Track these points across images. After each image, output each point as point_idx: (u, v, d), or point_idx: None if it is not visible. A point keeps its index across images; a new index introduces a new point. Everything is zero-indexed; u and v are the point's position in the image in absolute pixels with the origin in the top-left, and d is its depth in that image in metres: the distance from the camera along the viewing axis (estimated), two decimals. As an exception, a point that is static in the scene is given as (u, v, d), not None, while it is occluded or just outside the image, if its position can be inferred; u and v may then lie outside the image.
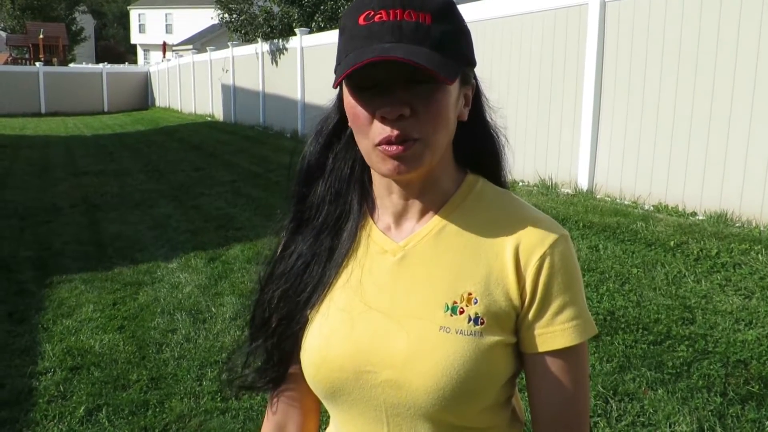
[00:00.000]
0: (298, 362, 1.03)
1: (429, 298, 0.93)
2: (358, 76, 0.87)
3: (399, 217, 0.99)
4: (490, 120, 1.03)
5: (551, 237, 0.94)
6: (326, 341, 0.96)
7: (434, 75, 0.83)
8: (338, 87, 0.95)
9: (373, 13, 0.86)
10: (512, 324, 0.93)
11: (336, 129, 1.03)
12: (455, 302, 0.92)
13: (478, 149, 1.03)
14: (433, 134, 0.89)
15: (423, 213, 0.98)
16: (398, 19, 0.85)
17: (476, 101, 1.00)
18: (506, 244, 0.94)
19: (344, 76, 0.84)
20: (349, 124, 0.95)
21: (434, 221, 0.98)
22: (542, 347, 0.92)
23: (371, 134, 0.89)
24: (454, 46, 0.89)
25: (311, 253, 1.02)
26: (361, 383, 0.94)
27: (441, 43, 0.86)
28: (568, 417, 0.94)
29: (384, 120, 0.87)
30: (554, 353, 0.92)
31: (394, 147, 0.88)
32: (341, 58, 0.90)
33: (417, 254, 0.96)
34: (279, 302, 1.03)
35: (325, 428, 1.12)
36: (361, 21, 0.87)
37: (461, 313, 0.91)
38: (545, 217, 0.97)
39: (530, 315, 0.92)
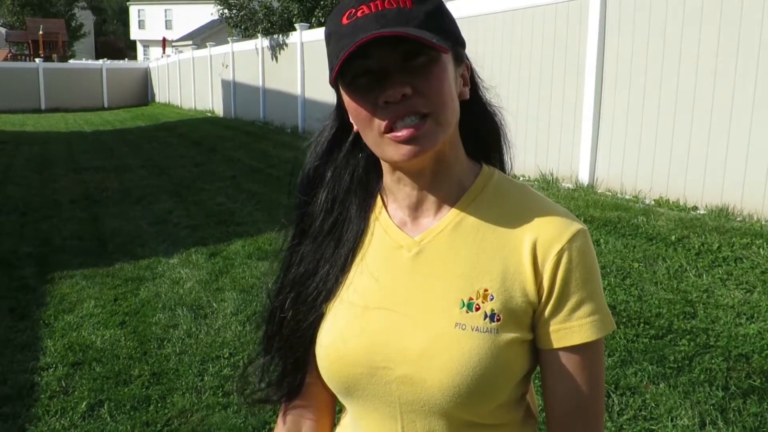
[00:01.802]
0: (312, 373, 1.02)
1: (445, 294, 0.92)
2: (352, 69, 0.87)
3: (414, 210, 0.98)
4: (485, 98, 1.03)
5: (569, 231, 0.92)
6: (341, 337, 0.96)
7: (428, 43, 0.83)
8: (336, 94, 0.95)
9: (354, 10, 0.87)
10: (529, 320, 0.92)
11: (336, 137, 1.03)
12: (471, 299, 0.91)
13: (481, 130, 1.02)
14: (440, 107, 0.88)
15: (439, 207, 0.97)
16: (380, 9, 0.86)
17: (472, 82, 1.00)
18: (523, 238, 0.93)
19: (340, 63, 0.84)
20: (353, 122, 0.94)
21: (450, 215, 0.96)
22: (559, 343, 0.91)
23: (377, 123, 0.88)
24: (440, 24, 0.89)
25: (315, 260, 1.01)
26: (375, 379, 0.93)
27: (426, 21, 0.87)
28: (583, 413, 0.93)
29: (388, 105, 0.87)
30: (571, 349, 0.91)
31: (406, 131, 0.87)
32: (333, 61, 0.89)
33: (433, 250, 0.95)
34: (288, 312, 1.02)
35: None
36: (344, 21, 0.88)
37: (477, 309, 0.90)
38: (563, 211, 0.96)
39: (547, 311, 0.91)
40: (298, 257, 1.03)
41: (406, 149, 0.88)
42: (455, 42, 0.93)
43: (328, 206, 1.02)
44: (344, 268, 0.99)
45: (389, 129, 0.88)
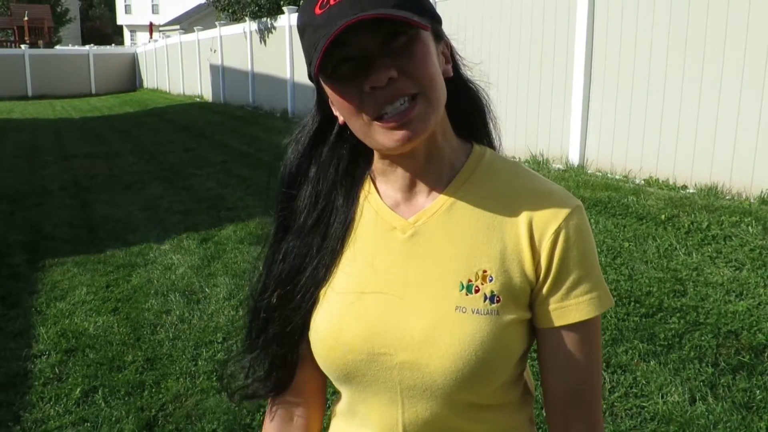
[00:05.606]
0: (301, 365, 1.01)
1: (443, 276, 0.91)
2: (332, 59, 0.84)
3: (407, 192, 0.96)
4: (467, 76, 1.01)
5: (566, 209, 0.91)
6: (338, 324, 0.94)
7: (411, 22, 0.81)
8: (316, 88, 0.93)
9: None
10: (527, 299, 0.91)
11: (319, 132, 1.00)
12: (470, 280, 0.90)
13: (466, 108, 1.01)
14: (429, 85, 0.86)
15: (432, 187, 0.95)
16: None
17: (452, 59, 0.98)
18: (520, 217, 0.92)
19: (321, 55, 0.81)
20: (339, 115, 0.92)
21: (444, 196, 0.94)
22: (557, 322, 0.91)
23: (365, 112, 0.86)
24: (415, 2, 0.87)
25: (301, 255, 0.99)
26: (375, 365, 0.91)
27: (402, 1, 0.84)
28: (581, 391, 0.93)
29: (374, 90, 0.84)
30: (569, 327, 0.91)
31: (397, 117, 0.85)
32: (310, 53, 0.86)
33: (428, 231, 0.93)
34: (276, 308, 1.00)
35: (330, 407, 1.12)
36: (317, 11, 0.84)
37: (477, 291, 0.89)
38: (558, 188, 0.95)
39: (545, 289, 0.90)
40: (281, 254, 1.00)
41: (399, 135, 0.85)
42: (432, 19, 0.90)
43: (312, 200, 0.99)
44: (334, 259, 0.97)
45: (378, 116, 0.85)
